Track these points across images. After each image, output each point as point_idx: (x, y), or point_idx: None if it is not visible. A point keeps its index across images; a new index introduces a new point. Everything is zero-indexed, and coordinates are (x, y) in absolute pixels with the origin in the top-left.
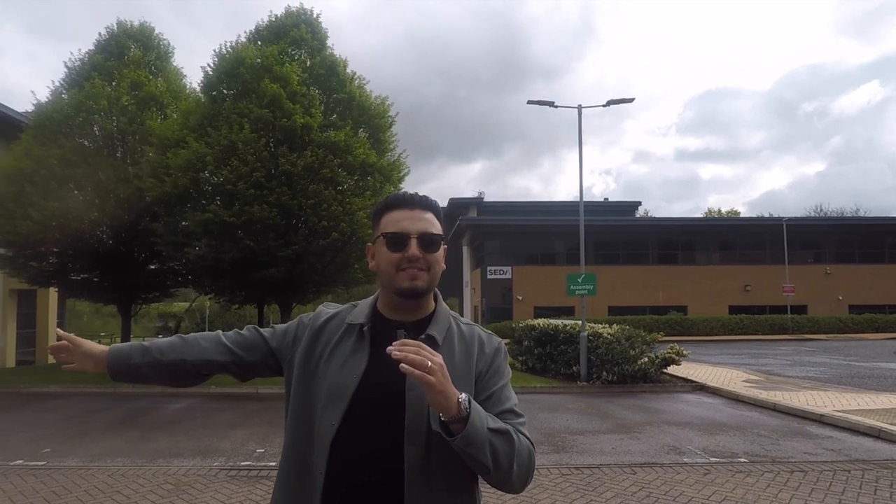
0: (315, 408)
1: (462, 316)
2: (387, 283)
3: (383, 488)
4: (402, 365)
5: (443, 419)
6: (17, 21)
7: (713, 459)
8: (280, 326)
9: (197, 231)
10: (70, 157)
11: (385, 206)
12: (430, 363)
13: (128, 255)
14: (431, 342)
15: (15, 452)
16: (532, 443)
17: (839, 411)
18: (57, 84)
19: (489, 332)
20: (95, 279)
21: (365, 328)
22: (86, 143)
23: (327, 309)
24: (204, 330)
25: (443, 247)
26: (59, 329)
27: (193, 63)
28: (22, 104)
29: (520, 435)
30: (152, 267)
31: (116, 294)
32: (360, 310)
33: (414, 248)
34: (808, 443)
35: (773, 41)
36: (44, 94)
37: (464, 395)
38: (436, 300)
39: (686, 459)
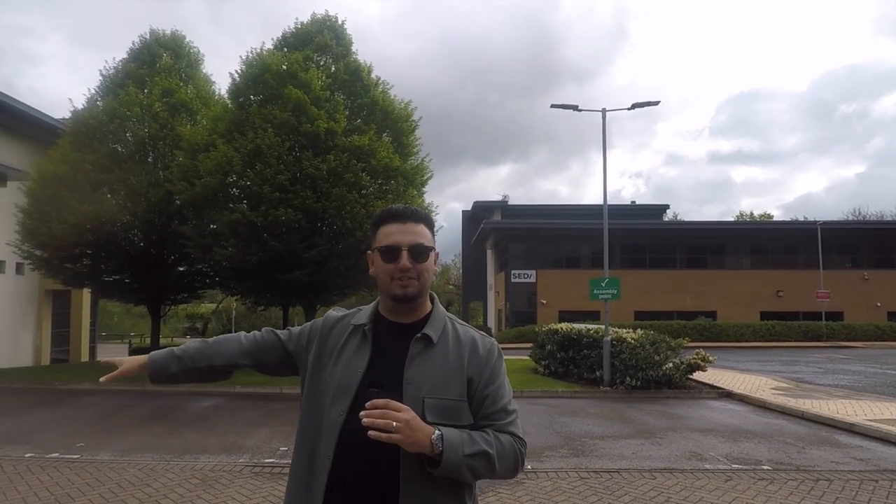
0: (325, 401)
1: (486, 321)
2: (383, 289)
3: (383, 475)
4: (371, 432)
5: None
6: (64, 31)
7: (735, 466)
8: (294, 330)
9: (224, 232)
10: (104, 162)
11: (379, 219)
12: (394, 423)
13: (158, 258)
14: (427, 340)
15: (51, 446)
16: (520, 437)
17: (871, 420)
18: (92, 92)
19: (483, 333)
20: (127, 280)
21: (366, 328)
22: (119, 148)
23: (336, 313)
24: (231, 331)
25: (433, 255)
26: (101, 359)
27: (227, 70)
28: (64, 113)
29: (500, 441)
30: (181, 269)
31: (146, 295)
32: (364, 313)
33: (405, 260)
34: (836, 452)
35: (810, 42)
36: (80, 102)
37: (436, 434)
38: (432, 302)
39: (707, 466)
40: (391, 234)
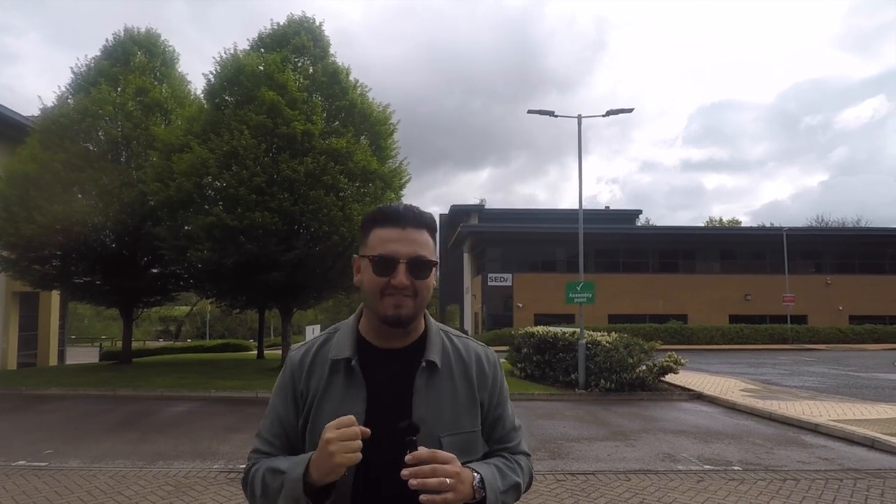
0: None
1: (462, 324)
2: (370, 305)
3: None
4: (423, 497)
5: None
6: (43, 30)
7: (707, 467)
8: (282, 385)
9: (200, 235)
10: (75, 162)
11: (375, 219)
12: (448, 479)
13: (130, 259)
14: (432, 369)
15: (18, 453)
16: (529, 454)
17: (834, 421)
18: (63, 89)
19: (482, 344)
20: (98, 282)
21: (353, 363)
22: (91, 147)
23: (299, 351)
24: (206, 335)
25: (434, 269)
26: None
27: (208, 70)
28: (38, 111)
29: (521, 466)
30: (155, 271)
31: (118, 297)
32: (341, 340)
33: (402, 276)
34: (802, 452)
35: (777, 56)
36: (50, 99)
37: (477, 479)
38: (425, 320)
39: (680, 467)
40: (388, 240)
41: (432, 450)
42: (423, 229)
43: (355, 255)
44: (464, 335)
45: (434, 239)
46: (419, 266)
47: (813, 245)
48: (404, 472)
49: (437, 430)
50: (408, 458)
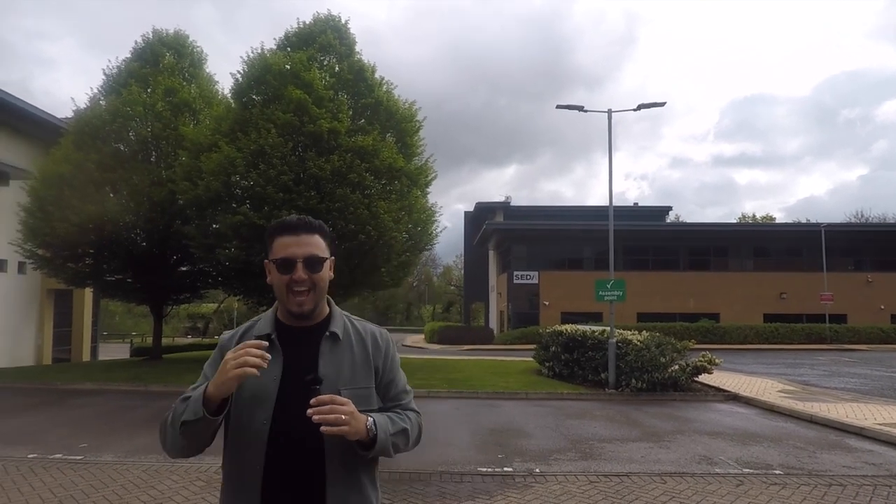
0: (242, 413)
1: (487, 322)
2: (281, 300)
3: (310, 467)
4: (323, 427)
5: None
6: (77, 35)
7: (746, 470)
8: (214, 359)
9: (228, 233)
10: (107, 162)
11: (273, 231)
12: (343, 416)
13: (160, 257)
14: (335, 338)
15: (54, 447)
16: (418, 412)
17: (880, 424)
18: (95, 91)
19: (377, 325)
20: (129, 280)
21: (273, 336)
22: (122, 147)
23: (229, 332)
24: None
25: (328, 263)
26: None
27: (235, 70)
28: (70, 113)
29: (409, 418)
30: (184, 268)
31: (149, 294)
32: (263, 323)
33: (300, 272)
34: (847, 456)
35: (812, 48)
36: (83, 101)
37: (370, 421)
38: (329, 305)
39: (718, 470)
40: (286, 246)
41: (331, 395)
42: (314, 234)
43: (266, 261)
44: (362, 319)
45: (325, 240)
46: (313, 262)
47: (852, 242)
48: (309, 411)
49: (338, 384)
50: (312, 401)
